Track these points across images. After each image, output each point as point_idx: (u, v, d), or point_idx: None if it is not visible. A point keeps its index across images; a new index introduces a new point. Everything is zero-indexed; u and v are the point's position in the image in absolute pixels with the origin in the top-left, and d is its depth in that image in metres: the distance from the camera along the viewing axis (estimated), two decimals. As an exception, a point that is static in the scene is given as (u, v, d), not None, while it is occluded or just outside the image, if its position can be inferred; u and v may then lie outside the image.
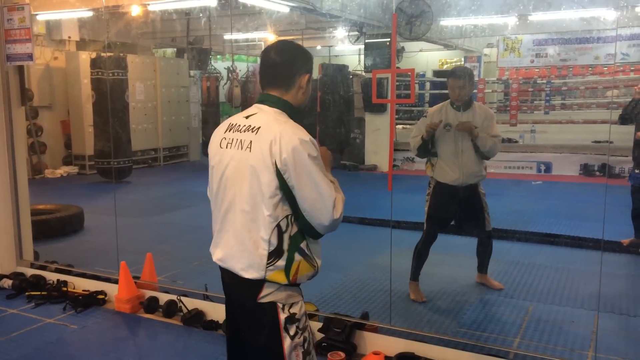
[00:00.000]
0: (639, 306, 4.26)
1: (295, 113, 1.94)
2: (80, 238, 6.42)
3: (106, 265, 4.89)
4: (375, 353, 3.37)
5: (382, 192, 8.21)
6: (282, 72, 1.93)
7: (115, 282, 4.33)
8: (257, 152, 1.81)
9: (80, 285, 4.51)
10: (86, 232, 6.64)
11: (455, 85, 4.23)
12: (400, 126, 14.20)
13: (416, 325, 3.86)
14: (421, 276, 4.48)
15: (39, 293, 4.43)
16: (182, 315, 4.00)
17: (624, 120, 6.00)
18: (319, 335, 3.56)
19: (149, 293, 4.24)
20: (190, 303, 4.01)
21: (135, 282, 4.28)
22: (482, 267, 4.67)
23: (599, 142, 10.38)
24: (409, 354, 3.33)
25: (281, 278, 1.85)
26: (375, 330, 3.56)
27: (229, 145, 1.91)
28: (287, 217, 1.83)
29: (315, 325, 3.62)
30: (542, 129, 12.06)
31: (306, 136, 1.82)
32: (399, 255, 4.81)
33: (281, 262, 1.84)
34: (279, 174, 1.78)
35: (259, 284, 1.87)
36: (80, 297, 4.31)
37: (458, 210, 4.40)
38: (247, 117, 1.93)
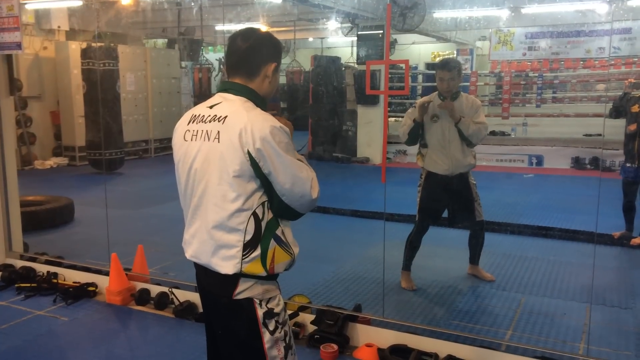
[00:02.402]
0: (631, 298, 4.28)
1: (261, 101, 1.90)
2: (71, 230, 6.36)
3: (97, 257, 4.85)
4: (368, 345, 3.37)
5: (375, 184, 8.20)
6: (247, 59, 1.87)
7: (106, 274, 4.30)
8: (226, 142, 1.76)
9: (71, 277, 4.47)
10: (76, 223, 6.58)
11: (444, 77, 4.27)
12: (392, 119, 14.20)
13: (409, 317, 3.86)
14: (413, 268, 4.49)
15: (28, 285, 4.38)
16: (173, 308, 3.97)
17: (615, 113, 6.02)
18: (312, 328, 3.55)
19: (140, 285, 4.21)
20: (182, 295, 3.99)
21: (127, 274, 4.25)
22: (474, 259, 4.69)
23: (590, 135, 10.42)
24: (401, 345, 3.33)
25: (258, 269, 1.80)
26: (367, 322, 3.56)
27: (194, 137, 1.85)
28: (263, 204, 1.79)
29: (308, 317, 3.61)
30: (533, 122, 12.09)
31: (276, 123, 1.78)
32: (392, 247, 4.80)
33: (256, 252, 1.79)
34: (253, 163, 1.74)
35: (234, 279, 1.81)
36: (71, 289, 4.27)
37: (449, 201, 4.42)
38: (211, 107, 1.87)
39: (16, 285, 4.41)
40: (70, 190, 7.98)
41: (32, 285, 4.38)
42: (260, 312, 1.82)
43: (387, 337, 3.41)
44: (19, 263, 4.70)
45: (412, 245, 4.45)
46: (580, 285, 4.49)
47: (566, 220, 6.35)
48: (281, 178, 1.76)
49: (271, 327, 1.83)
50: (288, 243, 1.87)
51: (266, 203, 1.80)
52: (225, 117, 1.80)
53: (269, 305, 1.84)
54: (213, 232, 1.81)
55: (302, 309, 3.69)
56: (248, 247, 1.79)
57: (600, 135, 10.26)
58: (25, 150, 10.45)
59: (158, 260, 4.85)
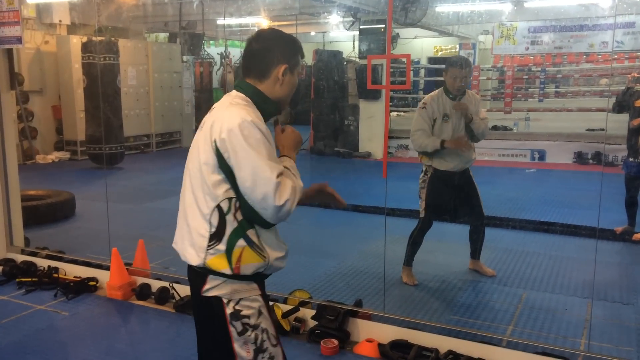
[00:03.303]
0: (632, 294, 4.27)
1: (265, 103, 1.85)
2: (72, 224, 6.37)
3: (98, 252, 4.85)
4: (369, 340, 3.36)
5: (376, 179, 8.18)
6: (257, 61, 1.85)
7: (107, 268, 4.30)
8: (204, 131, 1.80)
9: (72, 271, 4.47)
10: (78, 218, 6.58)
11: (458, 75, 4.24)
12: (394, 113, 14.16)
13: (409, 313, 3.86)
14: (415, 263, 4.48)
15: (29, 279, 4.38)
16: (174, 302, 3.97)
17: (618, 108, 5.99)
18: (312, 323, 3.55)
19: (141, 280, 4.21)
20: (183, 290, 3.99)
21: (127, 269, 4.25)
22: (475, 254, 4.68)
23: (593, 130, 10.38)
24: (402, 341, 3.33)
25: (222, 264, 1.76)
26: (368, 317, 3.55)
27: (199, 129, 1.90)
28: (229, 199, 1.75)
29: (309, 312, 3.60)
30: (536, 116, 12.05)
31: (249, 117, 1.73)
32: (393, 242, 4.80)
33: (221, 246, 1.76)
34: (218, 153, 1.72)
35: (203, 274, 1.80)
36: (72, 284, 4.27)
37: (455, 196, 4.42)
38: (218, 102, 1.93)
39: (17, 279, 4.42)
40: (71, 184, 7.98)
41: (33, 279, 4.38)
42: (227, 311, 1.79)
43: (387, 333, 3.40)
44: (20, 257, 4.71)
45: (415, 242, 4.44)
46: (582, 281, 4.48)
47: (568, 216, 6.34)
48: (242, 174, 1.70)
49: (239, 328, 1.79)
50: (262, 246, 1.79)
51: (234, 200, 1.75)
52: (214, 108, 1.86)
53: (238, 307, 1.79)
54: (188, 217, 1.83)
55: (303, 304, 3.68)
56: (214, 239, 1.76)
57: (603, 130, 10.23)
58: (27, 145, 10.45)
59: (159, 255, 4.85)
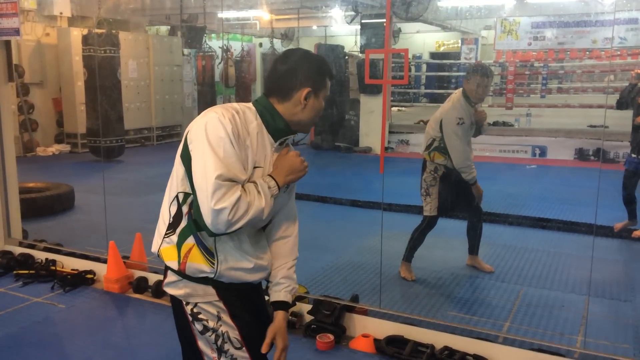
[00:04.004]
0: (630, 291, 4.26)
1: (275, 120, 1.75)
2: (70, 217, 6.37)
3: (96, 245, 4.85)
4: (365, 335, 3.36)
5: (375, 174, 8.17)
6: (280, 82, 1.76)
7: (105, 261, 4.30)
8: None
9: (69, 264, 4.47)
10: (76, 210, 6.58)
11: (483, 83, 4.26)
12: (395, 108, 14.13)
13: (406, 308, 3.85)
14: (413, 259, 4.47)
15: (27, 272, 4.38)
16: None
17: (620, 105, 5.97)
18: (308, 318, 3.54)
19: (138, 273, 4.21)
20: (180, 284, 3.98)
21: (125, 262, 4.25)
22: (473, 249, 4.67)
23: (595, 126, 10.35)
24: (398, 336, 3.32)
25: (172, 256, 1.73)
26: (364, 312, 3.55)
27: None
28: (185, 193, 1.70)
29: (305, 307, 3.60)
30: (537, 112, 12.01)
31: (223, 116, 1.64)
32: (390, 237, 4.80)
33: (174, 238, 1.73)
34: (185, 143, 1.68)
35: (166, 267, 1.80)
36: (69, 277, 4.27)
37: (461, 193, 4.43)
38: None
39: (14, 272, 4.42)
40: (71, 177, 7.98)
41: (31, 272, 4.38)
42: (188, 310, 1.77)
43: (383, 328, 3.40)
44: (18, 250, 4.71)
45: (419, 240, 4.44)
46: (580, 278, 4.47)
47: (567, 212, 6.32)
48: (194, 167, 1.63)
49: (199, 328, 1.77)
50: (214, 251, 1.71)
51: (192, 195, 1.68)
52: None
53: (195, 310, 1.76)
54: (162, 205, 1.81)
55: (299, 298, 3.68)
56: (170, 228, 1.74)
57: (606, 127, 10.19)
58: (28, 137, 10.45)
59: (157, 249, 4.84)
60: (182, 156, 1.69)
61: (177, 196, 1.73)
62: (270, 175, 1.73)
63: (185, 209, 1.71)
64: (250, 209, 1.62)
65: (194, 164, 1.63)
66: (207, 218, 1.59)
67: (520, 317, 3.80)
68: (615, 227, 5.55)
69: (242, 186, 1.64)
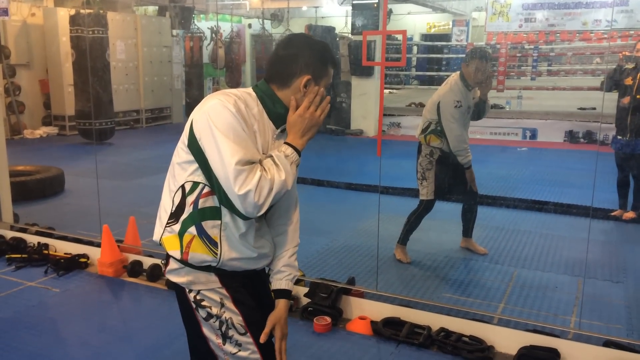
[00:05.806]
0: (622, 272, 4.31)
1: (275, 105, 1.73)
2: (61, 200, 6.30)
3: (88, 229, 4.81)
4: (361, 318, 3.37)
5: (369, 157, 8.17)
6: (280, 68, 1.73)
7: (98, 245, 4.27)
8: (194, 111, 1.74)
9: (62, 248, 4.43)
10: (67, 194, 6.52)
11: (481, 68, 4.23)
12: (387, 91, 14.08)
13: (402, 291, 3.87)
14: (408, 241, 4.49)
15: (19, 256, 4.34)
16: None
17: (608, 86, 5.97)
18: (305, 300, 3.55)
19: (132, 257, 4.19)
20: (175, 267, 3.96)
21: (119, 246, 4.22)
22: (467, 232, 4.70)
23: (584, 109, 10.39)
24: (394, 318, 3.34)
25: (175, 245, 1.72)
26: (361, 295, 3.56)
27: None
28: (194, 182, 1.68)
29: (302, 290, 3.61)
30: (529, 95, 12.03)
31: (227, 101, 1.63)
32: (386, 220, 4.79)
33: (176, 227, 1.72)
34: (191, 132, 1.66)
35: (167, 255, 1.78)
36: (62, 260, 4.23)
37: (457, 175, 4.43)
38: None
39: (6, 256, 4.38)
40: (60, 160, 7.89)
41: (23, 256, 4.34)
42: (191, 298, 1.76)
43: (380, 310, 3.41)
44: (9, 234, 4.66)
45: (415, 223, 4.46)
46: (573, 259, 4.51)
47: (559, 194, 6.36)
48: (210, 157, 1.61)
49: (203, 315, 1.76)
50: (218, 242, 1.70)
51: (200, 185, 1.67)
52: None
53: (198, 297, 1.76)
54: (163, 192, 1.79)
55: (296, 282, 3.67)
56: (172, 217, 1.73)
57: (594, 108, 10.23)
58: (15, 119, 10.30)
59: (150, 232, 4.77)
60: (189, 146, 1.66)
61: (183, 186, 1.70)
62: (286, 143, 1.70)
63: (190, 199, 1.69)
64: (274, 186, 1.61)
65: (209, 155, 1.61)
66: (237, 204, 1.59)
67: (514, 298, 3.84)
68: (624, 216, 5.52)
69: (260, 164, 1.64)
